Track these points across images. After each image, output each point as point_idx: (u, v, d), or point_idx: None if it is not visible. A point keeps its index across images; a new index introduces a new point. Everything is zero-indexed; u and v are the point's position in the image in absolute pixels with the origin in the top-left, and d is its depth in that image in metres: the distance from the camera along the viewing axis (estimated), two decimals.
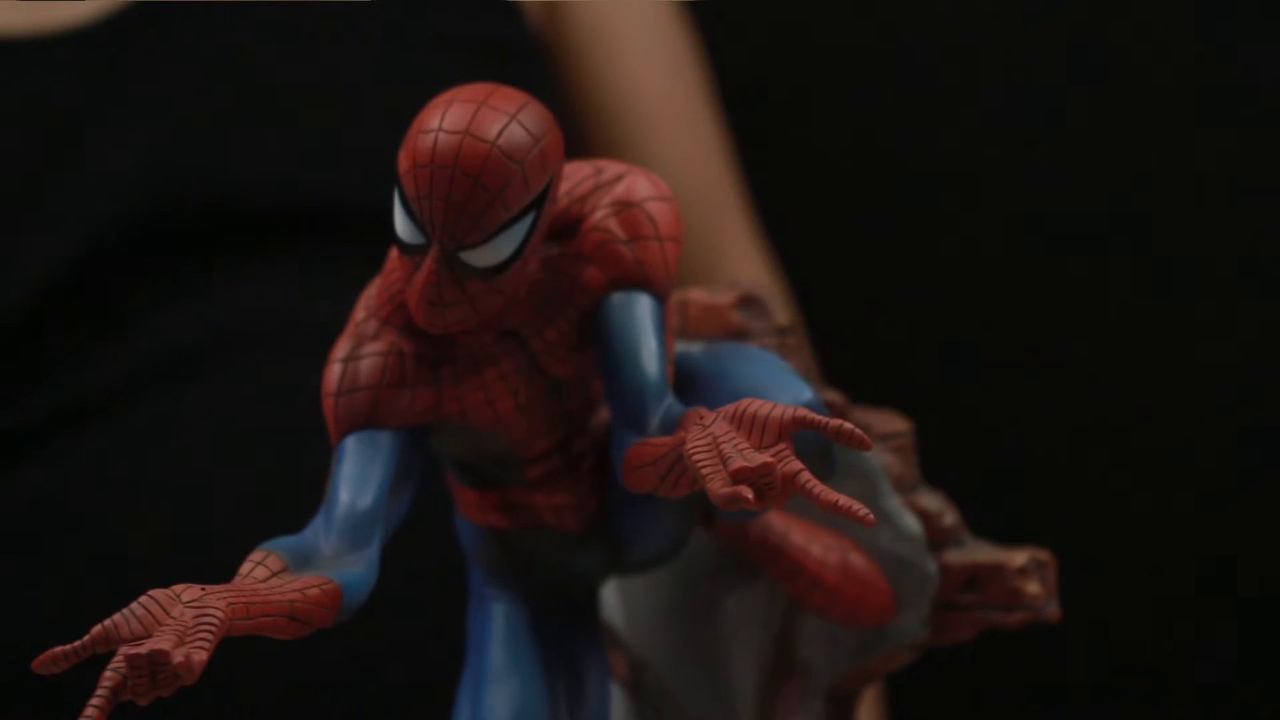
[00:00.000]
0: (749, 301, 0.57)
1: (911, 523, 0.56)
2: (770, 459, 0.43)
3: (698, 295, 0.57)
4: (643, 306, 0.49)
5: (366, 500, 0.48)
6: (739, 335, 0.56)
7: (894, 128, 0.99)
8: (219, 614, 0.43)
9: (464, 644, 0.54)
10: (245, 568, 0.46)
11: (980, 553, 0.56)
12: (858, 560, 0.56)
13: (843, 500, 0.43)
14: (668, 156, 0.90)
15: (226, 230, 0.81)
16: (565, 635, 0.53)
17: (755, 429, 0.44)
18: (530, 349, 0.50)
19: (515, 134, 0.46)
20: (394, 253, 0.50)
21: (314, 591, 0.45)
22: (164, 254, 0.80)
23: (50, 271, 0.79)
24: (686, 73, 0.93)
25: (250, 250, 0.80)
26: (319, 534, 0.48)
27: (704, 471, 0.44)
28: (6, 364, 0.79)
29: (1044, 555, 0.55)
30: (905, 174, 0.99)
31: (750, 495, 0.43)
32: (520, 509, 0.52)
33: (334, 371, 0.49)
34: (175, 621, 0.43)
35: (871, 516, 0.42)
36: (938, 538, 0.56)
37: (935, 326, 0.99)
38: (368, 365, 0.49)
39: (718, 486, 0.43)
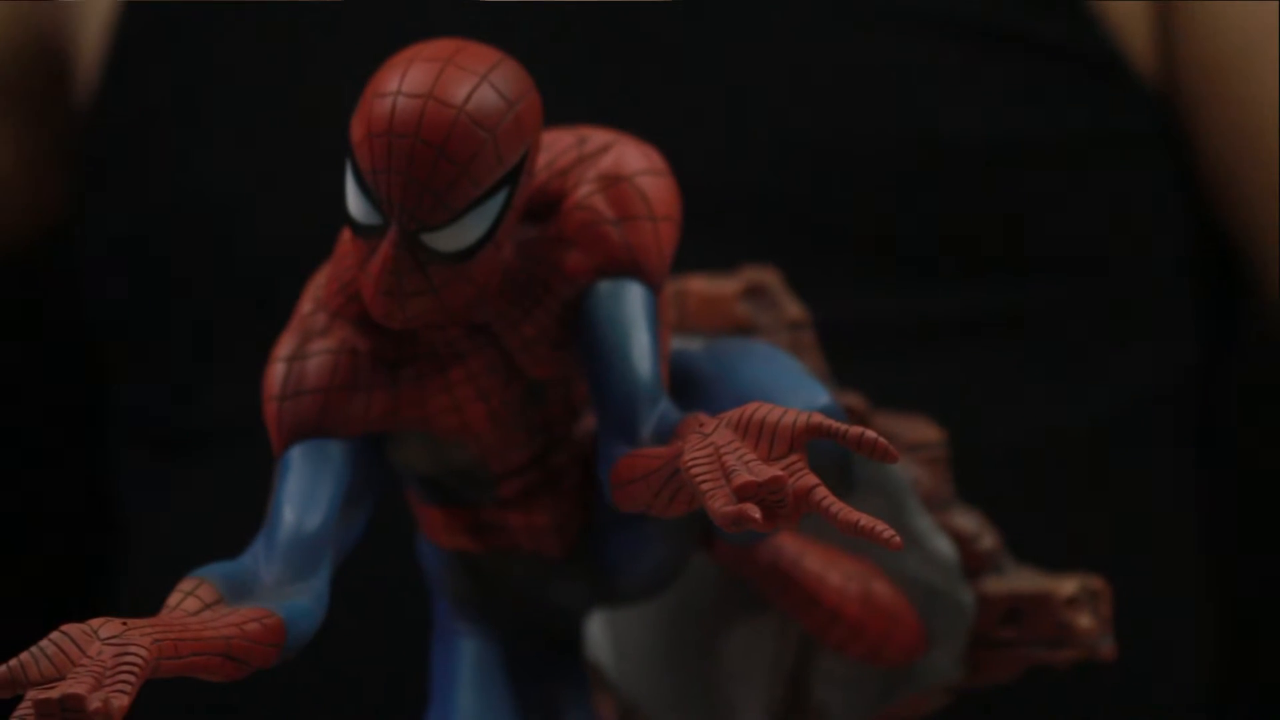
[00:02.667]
0: (757, 291, 0.56)
1: (944, 546, 0.55)
2: (781, 472, 0.41)
3: (698, 284, 0.56)
4: (633, 297, 0.47)
5: (314, 521, 0.46)
6: (745, 330, 0.55)
7: None
8: (142, 653, 0.41)
9: (427, 686, 0.52)
10: (173, 599, 0.44)
11: (1023, 581, 0.55)
12: (882, 590, 0.54)
13: (865, 520, 0.41)
14: None
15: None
16: (544, 677, 0.52)
17: (763, 438, 0.42)
18: (504, 346, 0.48)
19: (486, 97, 0.44)
20: (346, 234, 0.48)
21: (253, 627, 0.44)
22: None
23: None
24: None
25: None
26: (259, 560, 0.46)
27: (704, 487, 0.42)
28: None
29: (1097, 583, 0.54)
30: None
31: (758, 515, 0.41)
32: (493, 531, 0.50)
33: (277, 372, 0.48)
34: (92, 661, 0.41)
35: (898, 539, 0.41)
36: (974, 563, 0.55)
37: None
38: (315, 365, 0.47)
39: (720, 504, 0.41)
